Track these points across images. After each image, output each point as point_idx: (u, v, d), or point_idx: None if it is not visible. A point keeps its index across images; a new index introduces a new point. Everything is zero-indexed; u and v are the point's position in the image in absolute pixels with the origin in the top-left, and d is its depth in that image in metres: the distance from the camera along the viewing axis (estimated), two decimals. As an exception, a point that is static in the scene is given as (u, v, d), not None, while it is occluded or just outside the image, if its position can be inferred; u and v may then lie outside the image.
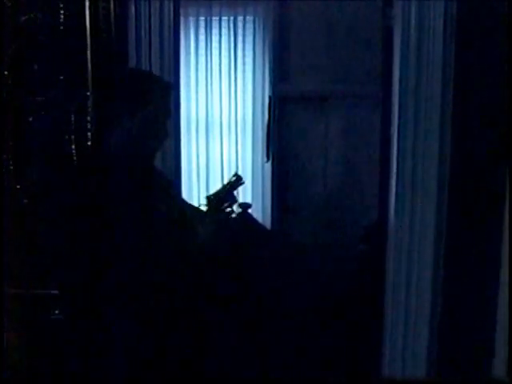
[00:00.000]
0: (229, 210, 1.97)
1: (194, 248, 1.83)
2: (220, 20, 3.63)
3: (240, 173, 3.67)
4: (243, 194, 3.50)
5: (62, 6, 1.92)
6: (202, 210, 2.00)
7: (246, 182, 2.07)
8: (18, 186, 2.06)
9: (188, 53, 3.63)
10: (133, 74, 2.06)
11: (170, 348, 1.88)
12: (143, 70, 2.27)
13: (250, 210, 2.08)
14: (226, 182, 2.09)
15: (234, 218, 2.01)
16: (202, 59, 3.66)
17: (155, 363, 1.80)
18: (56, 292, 1.89)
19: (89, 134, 1.87)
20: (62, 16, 1.92)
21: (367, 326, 2.85)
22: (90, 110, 1.83)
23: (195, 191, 3.71)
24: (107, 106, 1.80)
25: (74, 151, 1.99)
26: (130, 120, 1.78)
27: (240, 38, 3.65)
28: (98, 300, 1.71)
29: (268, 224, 3.66)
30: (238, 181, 2.02)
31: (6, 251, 2.01)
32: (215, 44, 3.65)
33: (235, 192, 2.03)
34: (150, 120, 1.81)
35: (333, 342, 3.03)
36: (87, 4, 1.91)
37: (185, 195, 3.57)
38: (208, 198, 1.98)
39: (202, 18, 3.63)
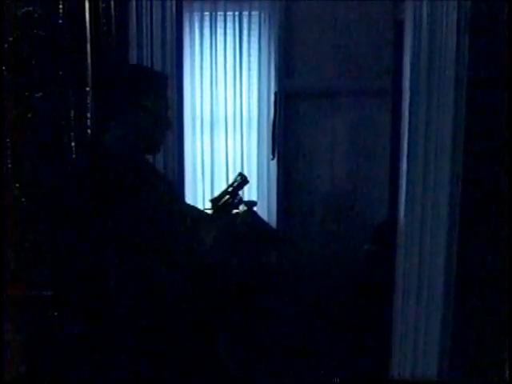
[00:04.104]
0: (235, 211, 1.91)
1: (198, 253, 1.77)
2: (225, 15, 3.59)
3: (245, 170, 3.67)
4: (248, 192, 3.45)
5: (60, -1, 1.87)
6: (206, 213, 1.93)
7: (250, 180, 1.99)
8: (17, 185, 2.02)
9: (193, 49, 3.58)
10: (124, 69, 2.01)
11: (171, 352, 1.83)
12: (133, 64, 2.21)
13: (255, 208, 2.01)
14: (230, 182, 2.03)
15: (239, 217, 1.94)
16: (206, 55, 3.61)
17: (156, 364, 1.75)
18: (54, 294, 1.85)
19: (88, 130, 1.83)
20: (61, 10, 1.86)
21: (376, 326, 2.82)
22: (89, 106, 1.79)
23: (200, 189, 3.66)
24: (105, 102, 1.75)
25: (73, 148, 1.95)
26: (128, 115, 1.73)
27: (245, 34, 3.60)
28: (96, 302, 1.66)
29: (273, 222, 3.61)
30: (242, 181, 1.95)
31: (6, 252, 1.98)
32: (220, 40, 3.60)
33: (240, 192, 1.97)
34: (150, 113, 1.76)
35: (341, 343, 3.01)
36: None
37: (189, 193, 3.53)
38: (212, 201, 1.91)
39: (207, 14, 3.59)
